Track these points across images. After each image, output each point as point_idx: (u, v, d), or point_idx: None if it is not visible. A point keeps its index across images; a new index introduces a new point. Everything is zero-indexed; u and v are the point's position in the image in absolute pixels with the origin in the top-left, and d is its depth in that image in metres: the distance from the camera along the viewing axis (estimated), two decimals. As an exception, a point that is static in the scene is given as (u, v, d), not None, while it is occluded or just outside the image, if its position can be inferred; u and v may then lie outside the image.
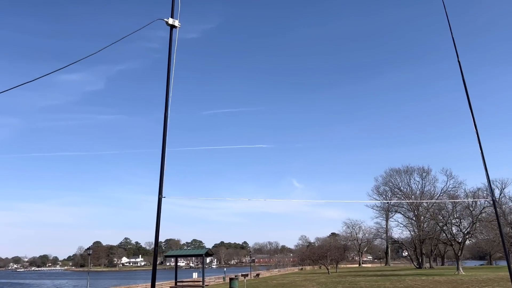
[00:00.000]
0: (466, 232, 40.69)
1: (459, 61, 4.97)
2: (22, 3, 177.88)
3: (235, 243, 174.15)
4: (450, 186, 56.50)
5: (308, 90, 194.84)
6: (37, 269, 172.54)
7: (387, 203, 66.48)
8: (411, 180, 61.85)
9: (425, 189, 60.16)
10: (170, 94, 3.45)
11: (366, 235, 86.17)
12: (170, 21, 3.64)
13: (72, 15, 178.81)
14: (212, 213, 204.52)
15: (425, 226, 55.59)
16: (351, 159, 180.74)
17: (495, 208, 5.43)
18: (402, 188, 62.98)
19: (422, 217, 57.28)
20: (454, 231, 43.35)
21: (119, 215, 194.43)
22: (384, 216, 70.67)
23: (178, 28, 3.67)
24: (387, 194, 65.66)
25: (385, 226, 71.54)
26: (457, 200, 42.50)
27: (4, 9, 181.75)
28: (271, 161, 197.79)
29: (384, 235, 71.20)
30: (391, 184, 64.45)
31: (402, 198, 61.88)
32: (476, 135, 4.57)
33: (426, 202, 53.87)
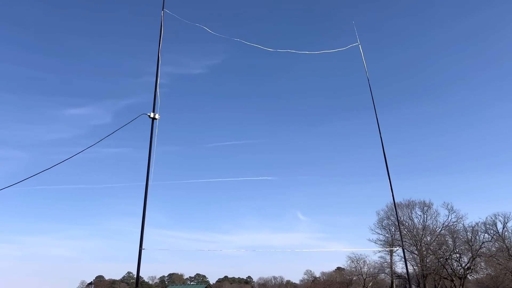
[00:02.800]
0: (466, 267, 40.76)
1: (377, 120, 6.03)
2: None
3: (239, 277, 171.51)
4: (452, 220, 56.65)
5: (312, 124, 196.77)
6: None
7: (391, 237, 66.42)
8: (412, 214, 62.10)
9: (426, 223, 60.30)
10: (150, 182, 4.56)
11: (371, 269, 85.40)
12: (152, 114, 4.87)
13: (72, 48, 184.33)
14: (215, 246, 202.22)
15: (428, 261, 55.43)
16: (354, 192, 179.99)
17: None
18: (404, 222, 63.12)
19: (425, 251, 57.18)
20: (455, 266, 43.40)
21: (122, 248, 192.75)
22: (388, 250, 70.35)
23: (158, 119, 4.89)
24: (390, 228, 65.72)
25: (389, 260, 71.11)
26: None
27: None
28: (275, 194, 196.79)
29: (388, 269, 70.67)
30: (393, 218, 64.62)
31: (405, 232, 61.94)
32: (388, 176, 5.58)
33: (428, 237, 53.97)
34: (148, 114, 4.90)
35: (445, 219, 57.99)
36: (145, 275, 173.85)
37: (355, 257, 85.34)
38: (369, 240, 69.90)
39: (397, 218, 54.49)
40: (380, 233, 66.38)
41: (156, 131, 4.85)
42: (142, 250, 4.31)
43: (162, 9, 4.98)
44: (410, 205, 62.08)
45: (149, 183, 4.45)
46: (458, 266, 42.71)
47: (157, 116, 4.96)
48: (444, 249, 45.48)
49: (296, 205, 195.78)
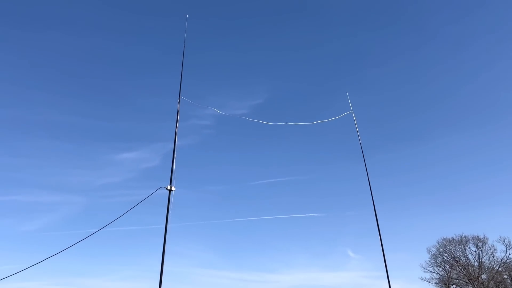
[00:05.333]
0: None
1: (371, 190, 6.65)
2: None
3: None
4: (510, 256, 53.23)
5: (358, 160, 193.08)
6: None
7: (447, 276, 63.05)
8: (466, 250, 58.97)
9: (482, 259, 56.92)
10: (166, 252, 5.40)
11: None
12: (168, 187, 5.89)
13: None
14: (265, 286, 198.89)
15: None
16: (404, 228, 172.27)
17: None
18: (458, 259, 59.98)
19: (483, 290, 53.78)
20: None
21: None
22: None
23: (173, 191, 5.87)
24: (445, 265, 62.54)
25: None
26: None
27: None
28: (324, 231, 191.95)
29: (445, 310, 66.59)
30: (446, 255, 61.64)
31: (459, 269, 58.75)
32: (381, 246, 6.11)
33: (484, 276, 50.92)
34: (165, 186, 5.91)
35: (502, 255, 54.66)
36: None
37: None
38: (422, 279, 66.66)
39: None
40: (433, 271, 63.23)
41: (172, 201, 5.82)
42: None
43: (179, 96, 6.04)
44: (463, 241, 59.10)
45: (165, 253, 5.33)
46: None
47: (173, 188, 5.95)
48: (503, 288, 42.76)
49: (345, 242, 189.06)
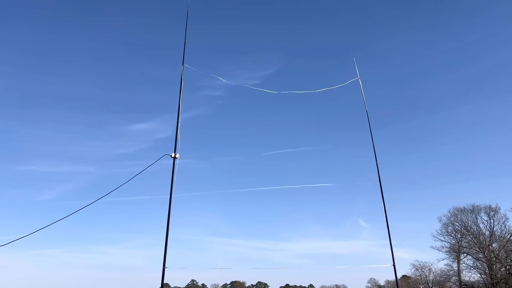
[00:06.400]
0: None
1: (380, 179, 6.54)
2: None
3: (300, 285, 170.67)
4: (523, 225, 53.10)
5: (367, 127, 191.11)
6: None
7: (457, 244, 63.39)
8: (478, 219, 58.93)
9: (494, 228, 56.89)
10: (171, 217, 5.44)
11: (437, 277, 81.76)
12: (173, 154, 5.84)
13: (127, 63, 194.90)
14: (276, 254, 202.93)
15: (496, 269, 52.34)
16: (415, 197, 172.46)
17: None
18: (469, 228, 60.06)
19: (493, 258, 54.04)
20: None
21: (186, 256, 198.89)
22: (453, 258, 67.12)
23: (178, 158, 5.84)
24: (456, 234, 62.78)
25: (455, 268, 67.78)
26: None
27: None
28: (335, 200, 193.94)
29: (454, 278, 67.34)
30: (457, 224, 61.76)
31: (470, 238, 58.93)
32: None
33: (494, 244, 51.02)
34: (170, 154, 5.87)
35: (514, 225, 54.51)
36: (208, 282, 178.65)
37: (419, 265, 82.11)
38: (432, 247, 67.14)
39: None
40: (444, 239, 63.55)
41: (176, 168, 5.80)
42: (165, 269, 5.23)
43: (182, 64, 5.91)
44: (474, 210, 58.99)
45: (170, 220, 5.36)
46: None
47: (177, 156, 5.92)
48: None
49: (357, 211, 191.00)
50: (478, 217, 58.74)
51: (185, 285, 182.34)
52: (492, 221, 57.48)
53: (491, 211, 57.60)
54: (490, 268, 53.82)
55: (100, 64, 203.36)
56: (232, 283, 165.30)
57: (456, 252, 68.48)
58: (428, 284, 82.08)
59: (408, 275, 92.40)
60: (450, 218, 62.20)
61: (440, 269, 76.47)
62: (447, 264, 67.44)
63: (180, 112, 6.15)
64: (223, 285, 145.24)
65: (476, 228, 59.19)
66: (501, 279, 49.51)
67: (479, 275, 58.70)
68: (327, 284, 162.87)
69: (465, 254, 64.84)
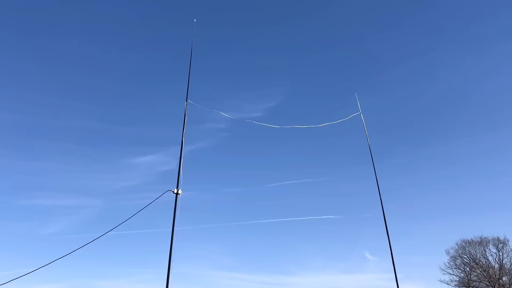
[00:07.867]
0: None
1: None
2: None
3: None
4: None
5: (370, 160, 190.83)
6: None
7: (467, 278, 61.85)
8: (486, 252, 57.77)
9: (503, 261, 55.64)
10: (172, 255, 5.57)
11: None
12: (175, 190, 6.00)
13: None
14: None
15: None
16: (422, 230, 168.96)
17: None
18: (478, 261, 58.80)
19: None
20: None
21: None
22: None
23: (181, 194, 5.98)
24: (465, 267, 61.36)
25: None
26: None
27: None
28: (341, 233, 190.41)
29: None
30: (465, 257, 60.51)
31: (479, 271, 57.58)
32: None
33: (505, 278, 49.77)
34: (172, 190, 6.03)
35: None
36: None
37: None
38: (441, 281, 65.50)
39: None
40: (453, 273, 62.08)
41: (179, 204, 5.93)
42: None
43: (186, 100, 6.16)
44: (482, 242, 57.95)
45: (172, 254, 5.44)
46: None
47: (180, 192, 6.07)
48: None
49: (363, 244, 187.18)
50: (487, 249, 57.65)
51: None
52: (501, 253, 56.35)
53: (500, 243, 56.56)
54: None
55: (104, 98, 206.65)
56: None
57: (465, 286, 66.77)
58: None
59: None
60: (458, 250, 61.05)
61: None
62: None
63: (182, 149, 6.36)
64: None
65: (485, 261, 57.98)
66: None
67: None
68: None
69: (475, 289, 63.21)
